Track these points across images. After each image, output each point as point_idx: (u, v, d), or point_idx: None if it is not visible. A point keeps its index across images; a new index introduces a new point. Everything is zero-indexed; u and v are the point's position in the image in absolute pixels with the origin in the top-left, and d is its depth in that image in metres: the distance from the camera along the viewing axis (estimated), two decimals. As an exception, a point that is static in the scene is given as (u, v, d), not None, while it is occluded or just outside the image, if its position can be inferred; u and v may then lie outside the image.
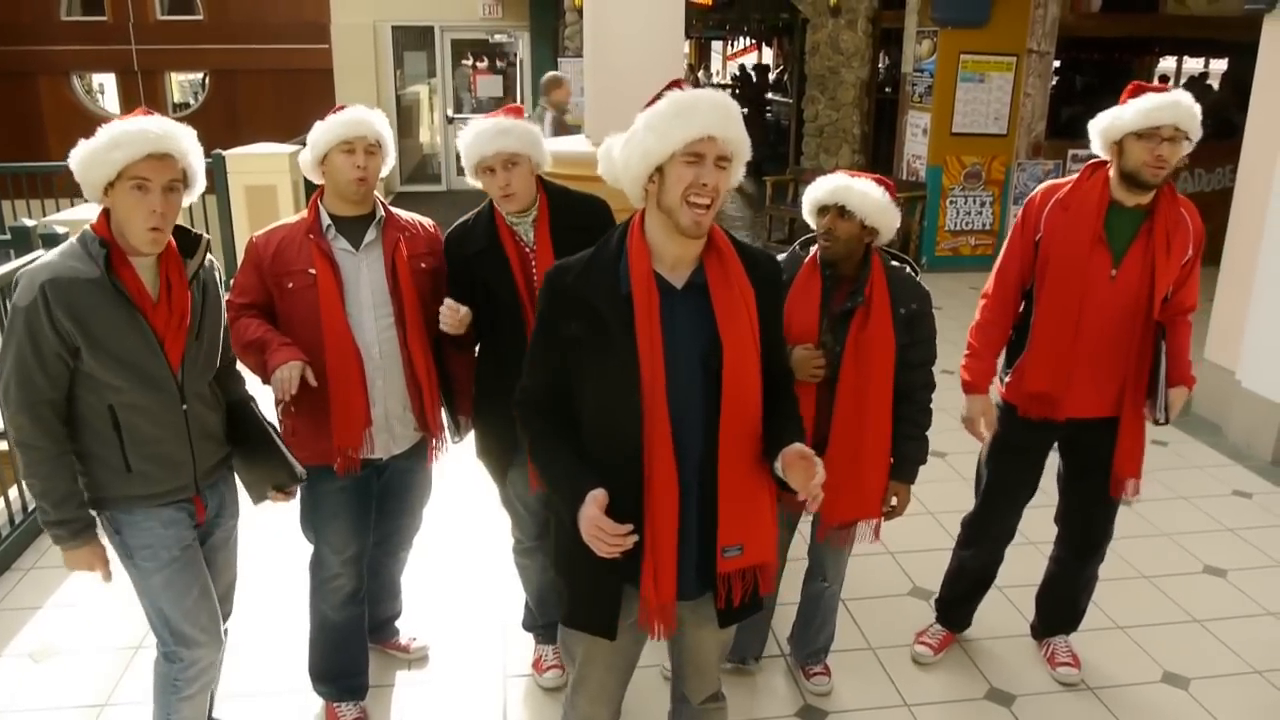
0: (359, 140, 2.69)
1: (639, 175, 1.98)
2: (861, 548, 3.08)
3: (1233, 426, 5.46)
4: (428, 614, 3.65)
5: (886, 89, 11.38)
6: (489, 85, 14.52)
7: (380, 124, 2.76)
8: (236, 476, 2.65)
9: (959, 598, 3.52)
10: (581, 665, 2.29)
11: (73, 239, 2.28)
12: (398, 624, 3.44)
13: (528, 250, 2.84)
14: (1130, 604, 3.80)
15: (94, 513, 2.37)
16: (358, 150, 2.69)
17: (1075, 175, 3.03)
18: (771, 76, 18.71)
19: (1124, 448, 3.04)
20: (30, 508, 4.12)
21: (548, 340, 2.08)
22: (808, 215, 2.86)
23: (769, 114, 16.08)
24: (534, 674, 3.35)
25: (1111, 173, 2.91)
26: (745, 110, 7.90)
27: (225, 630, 2.70)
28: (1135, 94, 2.83)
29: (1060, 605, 3.42)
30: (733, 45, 24.59)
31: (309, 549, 2.98)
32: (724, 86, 21.39)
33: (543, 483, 2.19)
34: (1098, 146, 2.93)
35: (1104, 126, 2.88)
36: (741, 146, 1.98)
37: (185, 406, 2.37)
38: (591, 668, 2.28)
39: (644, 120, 1.97)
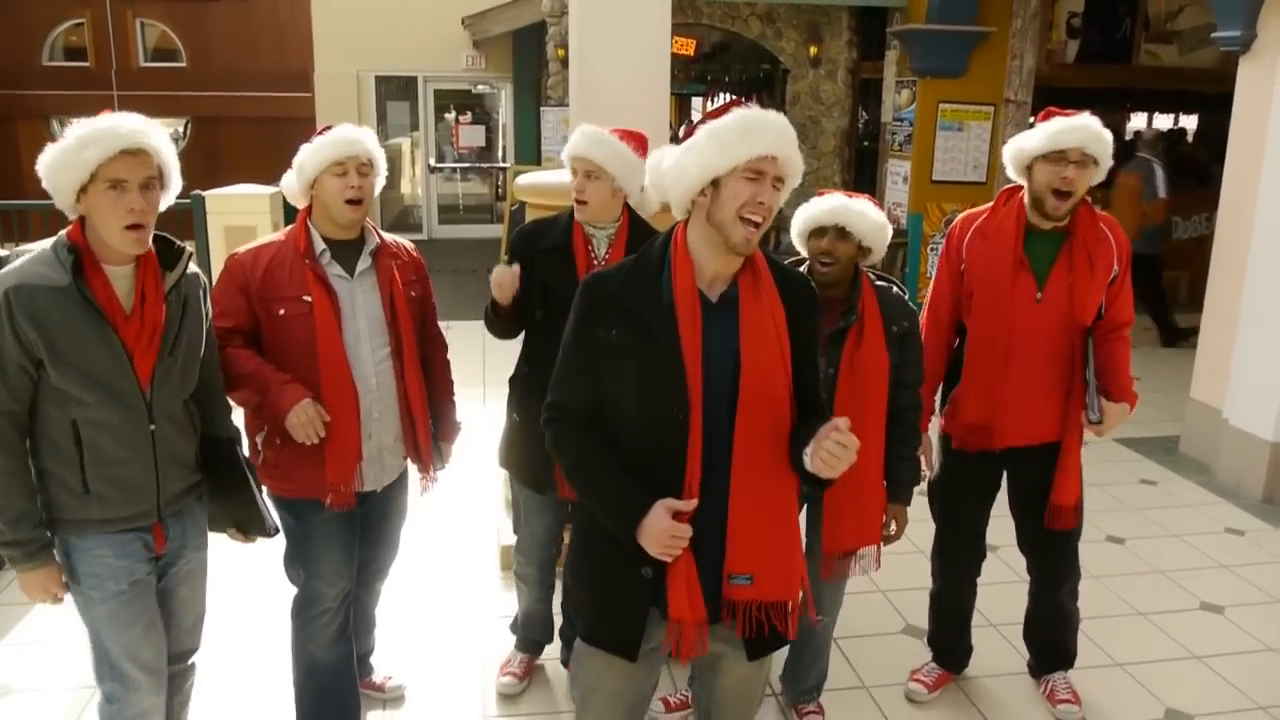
0: (351, 160, 2.61)
1: (692, 186, 1.94)
2: (852, 585, 2.99)
3: (1221, 465, 5.42)
4: (401, 649, 3.50)
5: (865, 142, 11.50)
6: (471, 135, 14.61)
7: (371, 142, 2.68)
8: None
9: (947, 636, 3.42)
10: (586, 692, 2.18)
11: (45, 245, 2.17)
12: (372, 660, 3.29)
13: (596, 262, 2.86)
14: (1128, 641, 3.70)
15: (50, 534, 2.22)
16: (350, 171, 2.61)
17: (991, 204, 3.03)
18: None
19: (1062, 471, 2.97)
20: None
21: (583, 349, 2.02)
22: (797, 237, 2.81)
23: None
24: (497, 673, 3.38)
25: (1025, 198, 2.92)
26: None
27: (193, 665, 2.57)
28: (1046, 119, 2.83)
29: (1046, 641, 3.33)
30: (712, 102, 24.91)
31: (282, 584, 2.84)
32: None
33: (585, 503, 2.09)
34: (1011, 171, 2.93)
35: (1014, 151, 2.90)
36: (797, 170, 1.96)
37: (153, 427, 2.23)
38: (596, 695, 2.17)
39: (708, 133, 1.93)
